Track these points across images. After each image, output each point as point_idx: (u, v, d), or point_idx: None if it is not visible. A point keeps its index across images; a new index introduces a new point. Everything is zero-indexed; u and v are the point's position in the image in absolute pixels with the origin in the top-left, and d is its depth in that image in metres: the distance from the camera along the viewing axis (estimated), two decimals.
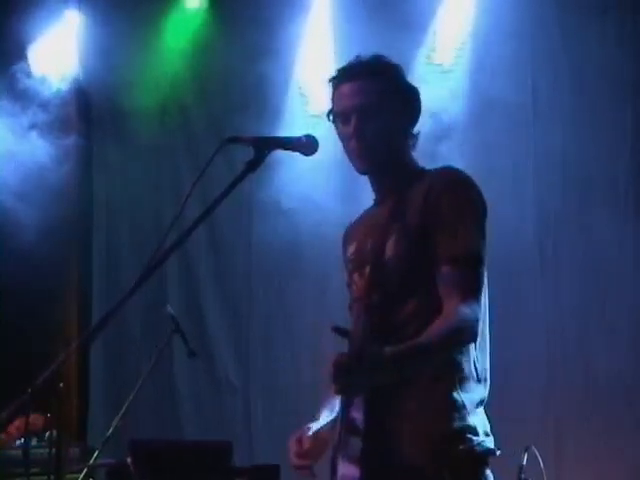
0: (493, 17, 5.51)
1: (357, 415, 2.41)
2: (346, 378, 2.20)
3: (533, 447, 4.41)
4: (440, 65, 5.64)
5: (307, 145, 2.46)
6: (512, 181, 5.53)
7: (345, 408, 2.42)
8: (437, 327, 2.30)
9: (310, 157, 2.48)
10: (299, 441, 2.52)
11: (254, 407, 6.11)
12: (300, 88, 5.93)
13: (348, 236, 2.68)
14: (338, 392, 2.30)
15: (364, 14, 5.64)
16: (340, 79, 2.56)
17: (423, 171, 2.56)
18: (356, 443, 2.39)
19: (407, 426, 2.35)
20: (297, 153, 2.48)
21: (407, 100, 2.55)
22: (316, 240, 5.42)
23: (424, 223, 2.40)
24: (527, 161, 5.58)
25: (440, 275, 2.37)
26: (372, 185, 2.61)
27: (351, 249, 2.61)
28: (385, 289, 2.43)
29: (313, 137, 2.47)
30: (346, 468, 2.42)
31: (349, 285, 2.59)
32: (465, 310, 2.32)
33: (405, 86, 2.57)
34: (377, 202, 2.61)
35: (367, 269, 2.48)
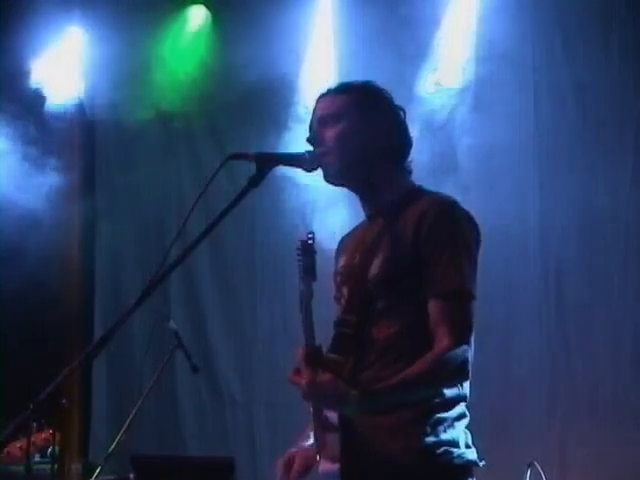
0: (494, 37, 5.52)
1: (332, 414, 2.42)
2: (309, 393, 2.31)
3: (536, 463, 4.41)
4: (442, 88, 5.66)
5: (309, 161, 2.49)
6: (515, 198, 5.53)
7: (316, 409, 2.43)
8: (429, 366, 2.34)
9: (312, 173, 2.51)
10: (287, 464, 2.55)
11: (257, 423, 6.09)
12: (304, 106, 5.95)
13: (340, 248, 2.69)
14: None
15: (367, 38, 5.67)
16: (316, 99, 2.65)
17: (418, 192, 2.56)
18: (333, 440, 2.41)
19: (383, 435, 2.38)
20: (299, 169, 2.50)
21: (371, 117, 2.55)
22: (321, 258, 5.41)
23: (416, 253, 2.41)
24: (533, 180, 5.59)
25: (431, 309, 2.39)
26: (360, 200, 2.63)
27: (341, 262, 2.62)
28: (367, 306, 2.45)
29: (315, 153, 2.50)
30: (326, 463, 2.44)
31: (337, 299, 2.60)
32: (456, 352, 2.34)
33: (370, 104, 2.57)
34: (368, 217, 2.62)
35: (352, 284, 2.52)
